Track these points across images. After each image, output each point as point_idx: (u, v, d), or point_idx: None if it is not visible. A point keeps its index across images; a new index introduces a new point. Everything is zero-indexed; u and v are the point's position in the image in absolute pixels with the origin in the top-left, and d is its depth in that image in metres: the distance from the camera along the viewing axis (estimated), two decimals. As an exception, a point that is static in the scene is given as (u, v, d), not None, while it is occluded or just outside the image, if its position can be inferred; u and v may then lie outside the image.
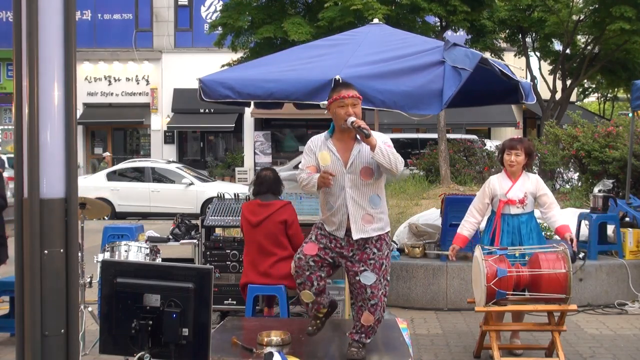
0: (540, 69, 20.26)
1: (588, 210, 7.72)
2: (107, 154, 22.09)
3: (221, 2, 20.57)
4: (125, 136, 26.48)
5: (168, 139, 24.84)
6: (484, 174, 14.31)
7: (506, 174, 5.36)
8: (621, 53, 17.87)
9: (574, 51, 19.04)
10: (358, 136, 4.06)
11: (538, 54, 19.78)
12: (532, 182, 5.32)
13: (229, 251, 6.35)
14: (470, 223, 5.39)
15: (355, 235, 4.08)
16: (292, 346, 4.20)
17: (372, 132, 4.18)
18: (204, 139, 25.59)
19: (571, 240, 5.10)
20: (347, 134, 4.12)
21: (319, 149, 4.15)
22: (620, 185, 9.98)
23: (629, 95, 12.76)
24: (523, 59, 19.06)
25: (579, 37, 19.23)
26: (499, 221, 5.31)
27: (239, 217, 5.80)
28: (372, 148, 3.94)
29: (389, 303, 6.89)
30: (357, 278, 4.11)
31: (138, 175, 17.14)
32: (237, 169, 23.49)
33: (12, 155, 9.34)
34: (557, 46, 19.76)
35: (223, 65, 16.26)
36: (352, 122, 3.98)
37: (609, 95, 28.76)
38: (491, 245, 5.24)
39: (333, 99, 4.11)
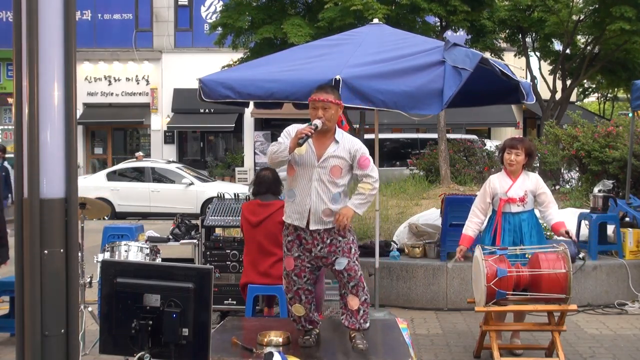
0: (540, 69, 20.24)
1: (588, 210, 7.71)
2: (140, 153, 21.99)
3: (221, 2, 20.57)
4: (125, 136, 26.47)
5: (168, 139, 24.83)
6: (484, 174, 14.29)
7: (506, 173, 5.37)
8: (621, 53, 17.84)
9: (574, 51, 19.03)
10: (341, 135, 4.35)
11: (538, 54, 19.76)
12: (532, 181, 5.33)
13: (229, 251, 6.35)
14: (474, 223, 5.41)
15: (312, 226, 4.27)
16: (292, 346, 4.20)
17: (352, 138, 4.44)
18: (204, 139, 25.58)
19: (567, 233, 5.12)
20: (326, 131, 4.30)
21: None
22: (620, 185, 9.97)
23: (629, 95, 12.75)
24: (523, 59, 19.04)
25: (579, 37, 19.21)
26: (500, 220, 5.32)
27: (239, 217, 5.80)
28: (351, 214, 4.27)
29: (389, 303, 6.90)
30: (334, 267, 4.34)
31: (138, 175, 17.14)
32: (237, 169, 23.49)
33: (12, 155, 9.33)
34: (557, 46, 19.74)
35: (223, 66, 16.25)
36: (303, 129, 4.15)
37: (609, 95, 28.74)
38: (492, 243, 5.25)
39: (309, 100, 4.36)
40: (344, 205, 4.32)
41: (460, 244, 5.37)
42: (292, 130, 4.33)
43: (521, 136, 5.86)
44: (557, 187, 13.00)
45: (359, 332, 4.33)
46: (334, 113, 4.27)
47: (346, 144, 4.33)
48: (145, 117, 24.62)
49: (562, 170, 13.17)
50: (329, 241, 4.30)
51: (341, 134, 4.38)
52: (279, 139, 4.35)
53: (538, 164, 13.03)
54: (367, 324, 4.39)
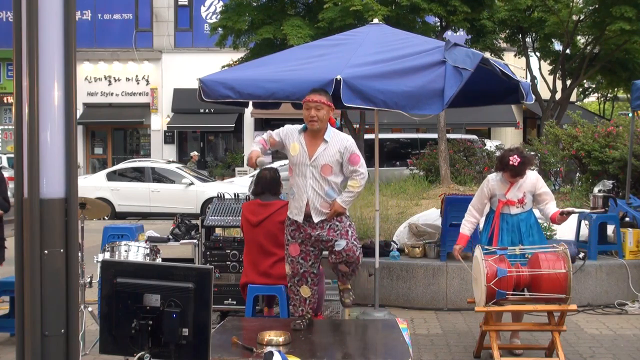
0: (540, 69, 20.24)
1: (588, 210, 7.71)
2: (195, 153, 21.81)
3: (221, 2, 20.57)
4: (125, 136, 26.48)
5: (168, 139, 24.84)
6: (484, 174, 14.27)
7: (505, 175, 5.36)
8: (621, 53, 17.84)
9: (574, 51, 19.02)
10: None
11: (538, 54, 19.76)
12: (531, 181, 5.32)
13: (229, 251, 6.34)
14: (470, 222, 5.42)
15: (316, 219, 4.71)
16: (292, 346, 4.20)
17: (343, 137, 4.78)
18: (204, 139, 25.59)
19: (568, 213, 5.16)
20: (316, 132, 4.69)
21: (290, 139, 4.78)
22: (620, 185, 9.97)
23: (629, 95, 12.75)
24: (523, 59, 19.05)
25: (579, 37, 19.21)
26: (498, 221, 5.32)
27: (239, 217, 5.80)
28: (342, 210, 4.71)
29: (389, 303, 6.91)
30: (334, 249, 4.75)
31: (138, 175, 17.13)
32: (237, 169, 23.48)
33: (12, 155, 9.32)
34: (557, 46, 19.75)
35: (223, 66, 16.25)
36: (250, 156, 4.80)
37: (609, 95, 28.74)
38: (489, 244, 5.25)
39: (302, 102, 4.76)
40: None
41: (458, 243, 5.38)
42: (287, 132, 4.82)
43: (517, 149, 5.66)
44: (558, 187, 12.99)
45: (347, 290, 4.97)
46: (325, 113, 4.65)
47: (335, 143, 4.69)
48: (145, 117, 24.63)
49: (562, 170, 13.13)
50: (327, 226, 4.73)
51: (331, 134, 4.72)
52: (269, 134, 4.90)
53: (538, 164, 13.02)
54: (350, 281, 4.99)
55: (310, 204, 4.68)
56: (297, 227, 4.78)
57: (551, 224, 5.71)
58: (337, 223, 4.75)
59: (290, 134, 4.80)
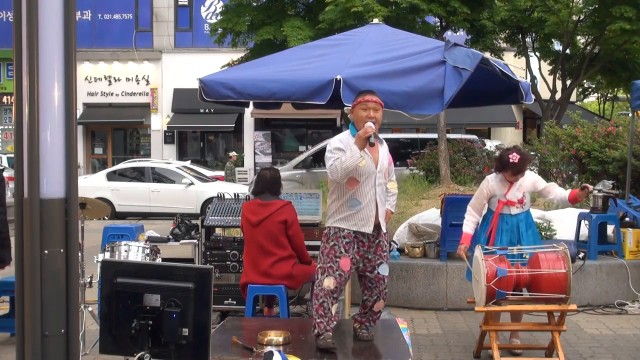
0: (540, 69, 20.24)
1: (588, 210, 7.71)
2: (234, 153, 21.66)
3: (221, 2, 20.58)
4: (125, 136, 26.49)
5: (168, 139, 24.84)
6: (484, 174, 14.25)
7: (503, 176, 5.36)
8: (621, 53, 17.84)
9: (573, 51, 19.03)
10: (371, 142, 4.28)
11: (538, 54, 19.77)
12: (529, 181, 5.34)
13: (229, 251, 6.35)
14: (472, 222, 5.42)
15: (384, 228, 4.46)
16: (292, 346, 4.20)
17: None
18: (204, 139, 25.59)
19: (586, 187, 5.24)
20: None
21: (349, 149, 4.24)
22: (620, 185, 9.96)
23: (629, 95, 12.75)
24: (523, 59, 19.05)
25: (578, 37, 19.22)
26: (496, 221, 5.32)
27: (239, 217, 5.80)
28: (389, 214, 4.62)
29: (389, 303, 6.88)
30: (376, 271, 4.46)
31: (138, 175, 17.14)
32: (237, 169, 23.45)
33: (12, 155, 9.32)
34: (557, 46, 19.75)
35: (223, 66, 16.24)
36: (368, 127, 4.19)
37: (609, 95, 28.74)
38: (486, 244, 5.25)
39: (357, 102, 4.39)
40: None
41: (463, 242, 5.36)
42: (342, 145, 4.27)
43: (515, 147, 5.69)
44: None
45: (366, 325, 4.56)
46: (381, 116, 4.37)
47: (383, 144, 4.52)
48: (145, 117, 24.64)
49: (561, 169, 13.13)
50: (377, 242, 4.45)
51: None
52: (332, 154, 4.26)
53: (538, 164, 13.02)
54: (375, 324, 4.63)
55: (379, 213, 4.37)
56: (354, 240, 4.35)
57: (569, 204, 5.70)
58: (384, 241, 4.48)
59: (346, 144, 4.30)
